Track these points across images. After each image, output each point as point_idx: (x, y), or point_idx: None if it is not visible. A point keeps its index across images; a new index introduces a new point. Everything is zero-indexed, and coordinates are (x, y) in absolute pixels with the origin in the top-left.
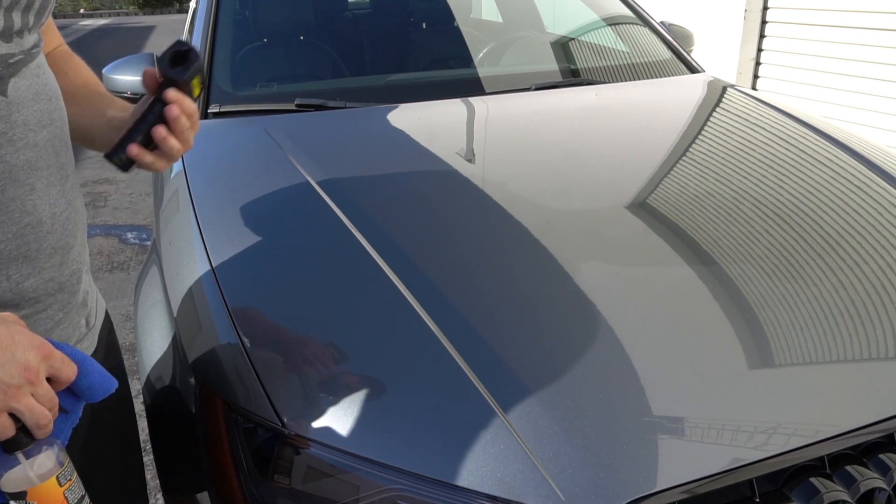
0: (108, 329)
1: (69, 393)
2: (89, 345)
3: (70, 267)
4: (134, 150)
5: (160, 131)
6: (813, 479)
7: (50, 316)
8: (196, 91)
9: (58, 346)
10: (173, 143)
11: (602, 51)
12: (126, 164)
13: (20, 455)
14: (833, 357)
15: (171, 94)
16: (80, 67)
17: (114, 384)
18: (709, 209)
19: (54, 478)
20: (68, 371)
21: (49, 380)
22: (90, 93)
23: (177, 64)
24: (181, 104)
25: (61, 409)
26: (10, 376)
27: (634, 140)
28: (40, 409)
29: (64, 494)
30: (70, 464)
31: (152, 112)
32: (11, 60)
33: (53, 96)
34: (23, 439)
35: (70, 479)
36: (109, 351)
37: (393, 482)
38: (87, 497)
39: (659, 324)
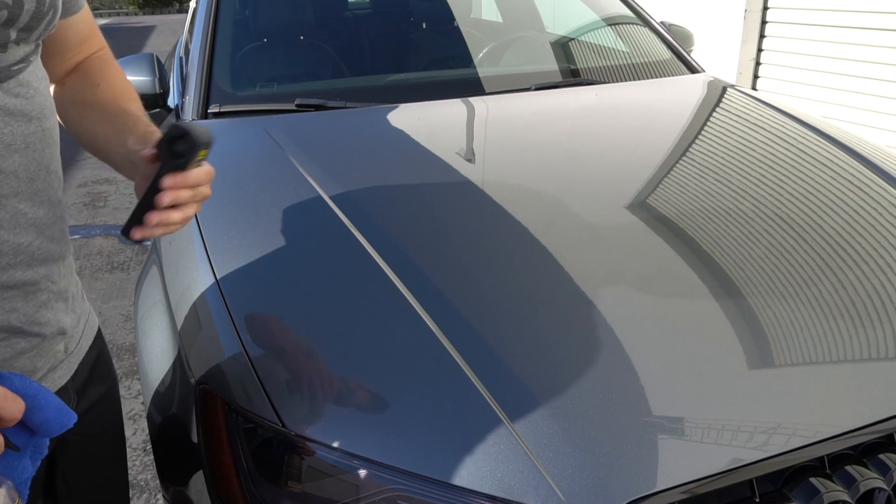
0: (95, 353)
1: (23, 428)
2: (65, 372)
3: (39, 298)
4: (136, 234)
5: (152, 218)
6: (813, 480)
7: (12, 346)
8: (201, 156)
9: (5, 379)
10: (173, 218)
11: (602, 51)
12: (139, 241)
13: None
14: (833, 357)
15: (168, 181)
16: (114, 79)
17: (72, 418)
18: (709, 209)
19: None
20: (12, 409)
21: None
22: (118, 111)
23: (176, 149)
24: (182, 182)
25: (11, 446)
26: None
27: (634, 140)
28: None
29: None
30: (22, 502)
31: (153, 190)
32: None
33: (35, 117)
34: None
35: None
36: (96, 376)
37: (393, 482)
38: None
39: (659, 324)
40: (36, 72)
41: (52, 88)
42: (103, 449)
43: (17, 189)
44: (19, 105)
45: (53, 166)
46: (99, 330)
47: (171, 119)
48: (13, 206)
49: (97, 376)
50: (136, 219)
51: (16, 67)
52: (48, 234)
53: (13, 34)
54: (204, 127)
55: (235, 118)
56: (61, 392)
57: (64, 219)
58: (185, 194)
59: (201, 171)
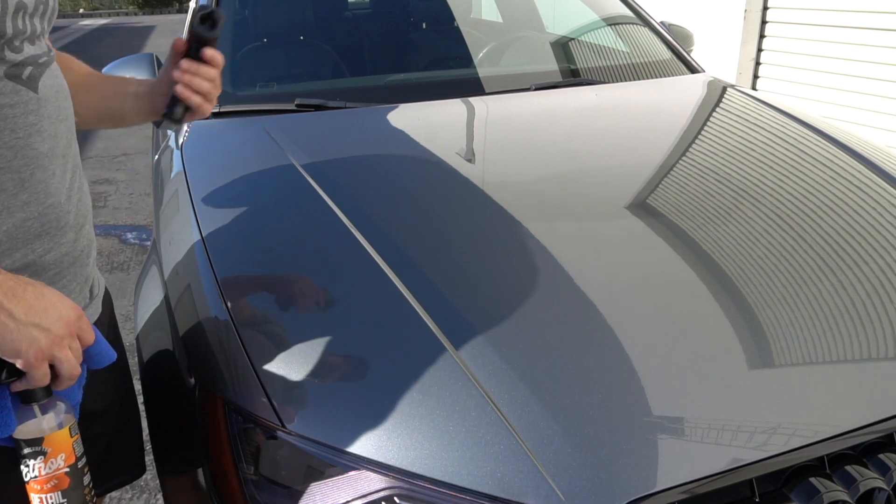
0: (109, 304)
1: None
2: (94, 312)
3: (82, 243)
4: (180, 88)
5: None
6: (813, 479)
7: (64, 286)
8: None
9: None
10: (209, 86)
11: (602, 51)
12: (181, 114)
13: (36, 407)
14: (833, 357)
15: (208, 53)
16: (79, 62)
17: (114, 355)
18: (709, 209)
19: (67, 428)
20: (90, 334)
21: None
22: (101, 78)
23: (204, 23)
24: (214, 57)
25: None
26: (59, 328)
27: (634, 140)
28: (74, 361)
29: (72, 445)
30: (76, 421)
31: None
32: (40, 61)
33: (67, 94)
34: (40, 392)
35: (77, 434)
36: (111, 323)
37: (392, 482)
38: (85, 456)
39: (659, 324)
40: None
41: None
42: (119, 387)
43: (64, 152)
44: (61, 84)
45: (76, 135)
46: (105, 285)
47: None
48: (62, 165)
49: (112, 324)
50: (174, 100)
51: (52, 53)
52: (84, 189)
53: (46, 25)
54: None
55: (235, 118)
56: None
57: (85, 178)
58: (207, 82)
59: (220, 56)
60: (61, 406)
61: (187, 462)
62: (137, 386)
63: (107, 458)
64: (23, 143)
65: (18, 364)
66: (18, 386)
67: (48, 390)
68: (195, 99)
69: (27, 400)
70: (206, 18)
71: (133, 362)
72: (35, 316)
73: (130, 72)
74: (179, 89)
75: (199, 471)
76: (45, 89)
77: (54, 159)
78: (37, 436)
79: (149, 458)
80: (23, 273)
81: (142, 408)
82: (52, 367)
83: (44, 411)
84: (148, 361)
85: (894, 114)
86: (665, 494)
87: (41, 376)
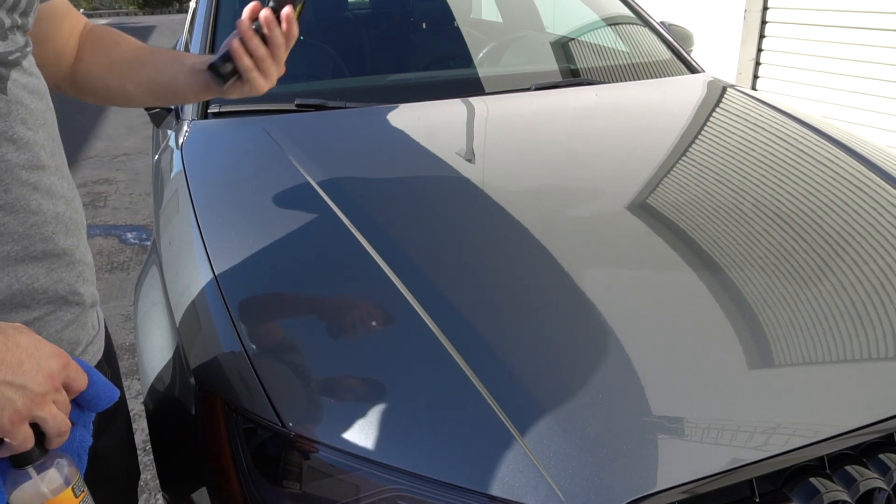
0: (106, 333)
1: (73, 404)
2: (99, 347)
3: (77, 268)
4: (235, 43)
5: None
6: (813, 479)
7: (60, 317)
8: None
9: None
10: (264, 52)
11: (602, 51)
12: (228, 72)
13: (31, 469)
14: (833, 357)
15: (265, 14)
16: (127, 37)
17: (116, 393)
18: (709, 209)
19: (70, 489)
20: (81, 380)
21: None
22: (155, 51)
23: None
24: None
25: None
26: (38, 384)
27: (634, 140)
28: (62, 417)
29: None
30: (80, 475)
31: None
32: (10, 58)
33: (44, 96)
34: (34, 452)
35: (84, 491)
36: (109, 355)
37: (393, 482)
38: None
39: (659, 324)
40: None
41: (71, 69)
42: (124, 423)
43: (45, 162)
44: (35, 84)
45: (61, 143)
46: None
47: (171, 119)
48: (47, 177)
49: (110, 356)
50: (226, 55)
51: (27, 49)
52: (73, 206)
53: (18, 19)
54: None
55: (235, 118)
56: (98, 366)
57: (77, 193)
58: (277, 35)
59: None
60: (63, 462)
61: (187, 462)
62: (137, 386)
63: None
64: None
65: None
66: (2, 452)
67: (42, 448)
68: (245, 61)
69: (19, 463)
70: None
71: (133, 362)
72: (7, 373)
73: None
74: (235, 44)
75: (199, 471)
76: (16, 89)
77: (34, 171)
78: (37, 501)
79: (148, 458)
80: (10, 306)
81: (142, 408)
82: (37, 425)
83: (40, 471)
84: (148, 362)
85: (894, 114)
86: (665, 494)
87: (22, 440)
